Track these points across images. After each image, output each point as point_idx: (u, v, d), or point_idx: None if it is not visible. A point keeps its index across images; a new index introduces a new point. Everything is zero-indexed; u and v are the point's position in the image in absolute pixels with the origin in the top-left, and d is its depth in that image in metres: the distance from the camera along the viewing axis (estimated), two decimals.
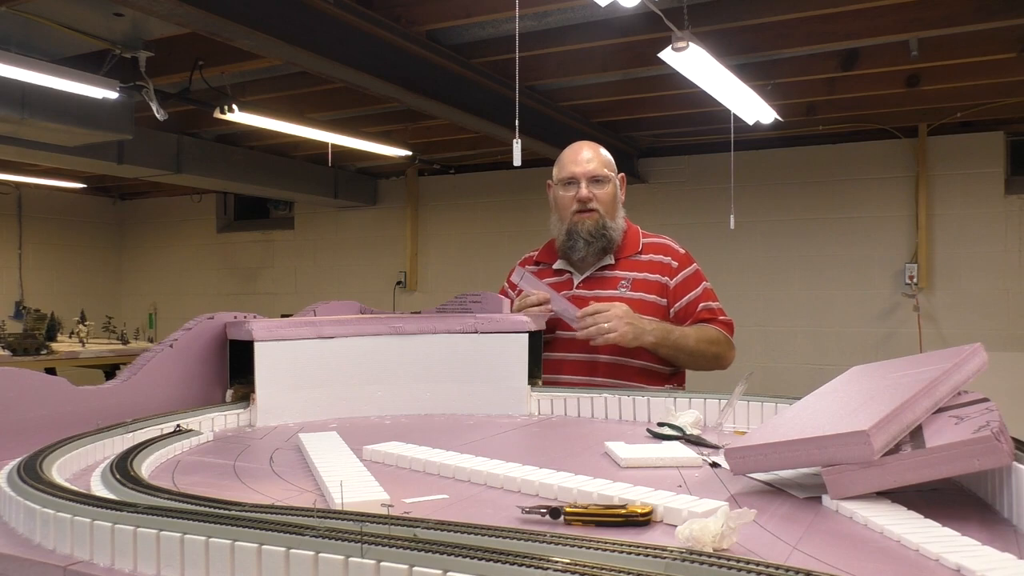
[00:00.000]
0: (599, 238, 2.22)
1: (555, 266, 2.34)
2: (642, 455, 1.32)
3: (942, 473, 0.99)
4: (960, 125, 5.72)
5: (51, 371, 5.06)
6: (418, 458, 1.29)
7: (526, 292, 2.22)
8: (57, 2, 3.56)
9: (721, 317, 2.25)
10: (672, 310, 2.23)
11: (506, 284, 2.47)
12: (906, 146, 5.90)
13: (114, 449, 1.33)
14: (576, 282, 2.28)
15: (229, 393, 1.76)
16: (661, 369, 2.19)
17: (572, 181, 2.26)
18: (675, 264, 2.26)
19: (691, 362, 2.20)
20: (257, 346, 1.70)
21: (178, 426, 1.48)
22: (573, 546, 0.74)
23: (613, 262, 2.27)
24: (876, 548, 0.89)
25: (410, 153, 6.23)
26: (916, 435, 1.05)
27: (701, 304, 2.23)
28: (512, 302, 2.37)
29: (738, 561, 0.69)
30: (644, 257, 2.28)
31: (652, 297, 2.22)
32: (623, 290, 2.22)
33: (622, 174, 2.35)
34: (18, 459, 1.14)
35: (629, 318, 2.05)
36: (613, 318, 2.03)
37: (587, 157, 2.26)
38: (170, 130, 5.94)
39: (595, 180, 2.24)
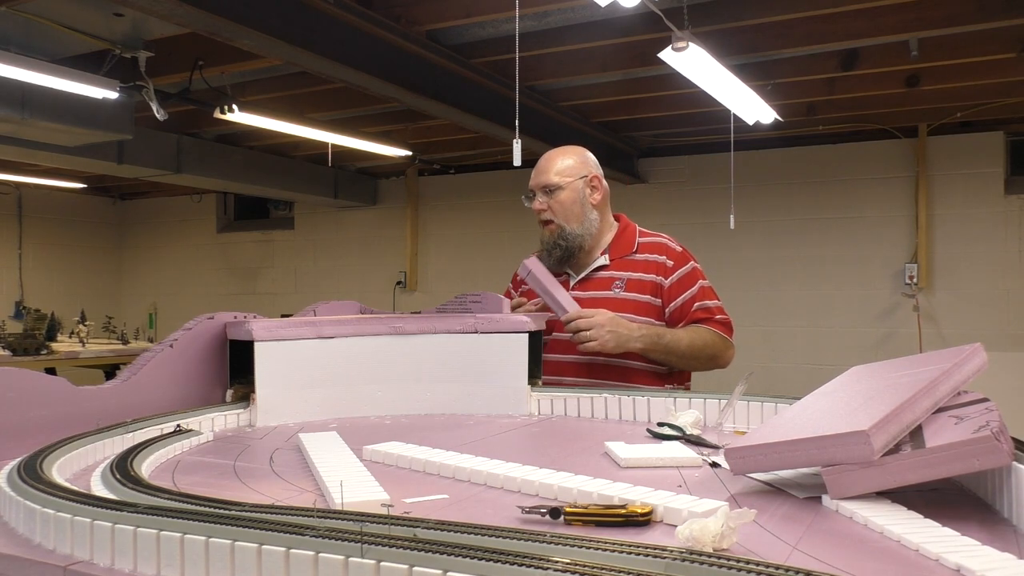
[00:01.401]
0: (555, 247, 2.26)
1: (553, 267, 2.34)
2: (642, 455, 1.32)
3: (942, 473, 0.99)
4: (960, 125, 5.72)
5: (51, 371, 5.07)
6: (418, 458, 1.29)
7: (526, 290, 2.22)
8: (57, 2, 3.56)
9: (718, 316, 2.22)
10: (667, 310, 2.21)
11: (510, 285, 2.48)
12: (906, 146, 5.90)
13: (114, 449, 1.33)
14: (572, 283, 2.28)
15: (229, 393, 1.76)
16: (660, 370, 2.19)
17: (531, 194, 2.32)
18: (670, 263, 2.23)
19: (685, 365, 2.20)
20: (257, 346, 1.70)
21: (178, 426, 1.48)
22: (573, 546, 0.74)
23: (607, 262, 2.27)
24: (876, 548, 0.89)
25: (410, 153, 6.23)
26: (916, 435, 1.05)
27: (697, 303, 2.21)
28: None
29: (738, 561, 0.69)
30: (639, 257, 2.27)
31: (646, 297, 2.21)
32: (617, 291, 2.21)
33: (593, 174, 2.30)
34: (18, 459, 1.14)
35: (612, 326, 2.06)
36: (595, 326, 2.05)
37: (541, 168, 2.30)
38: (170, 130, 5.94)
39: (547, 191, 2.27)
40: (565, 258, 2.26)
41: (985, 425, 0.98)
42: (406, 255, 7.78)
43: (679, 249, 2.28)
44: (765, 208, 6.32)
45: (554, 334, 2.21)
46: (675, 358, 2.15)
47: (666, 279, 2.22)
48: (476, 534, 0.78)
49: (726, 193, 5.94)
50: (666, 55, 3.15)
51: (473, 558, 0.70)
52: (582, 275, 2.28)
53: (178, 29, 3.76)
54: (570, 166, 2.28)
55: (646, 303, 2.20)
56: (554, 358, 2.20)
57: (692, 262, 2.27)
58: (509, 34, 4.10)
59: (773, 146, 6.23)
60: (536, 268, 2.19)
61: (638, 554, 0.72)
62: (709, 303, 2.23)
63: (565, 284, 2.28)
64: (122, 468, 1.10)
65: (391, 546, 0.73)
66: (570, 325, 2.08)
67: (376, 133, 5.85)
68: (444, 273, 7.68)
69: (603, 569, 0.68)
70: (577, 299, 2.21)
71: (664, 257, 2.25)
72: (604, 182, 2.32)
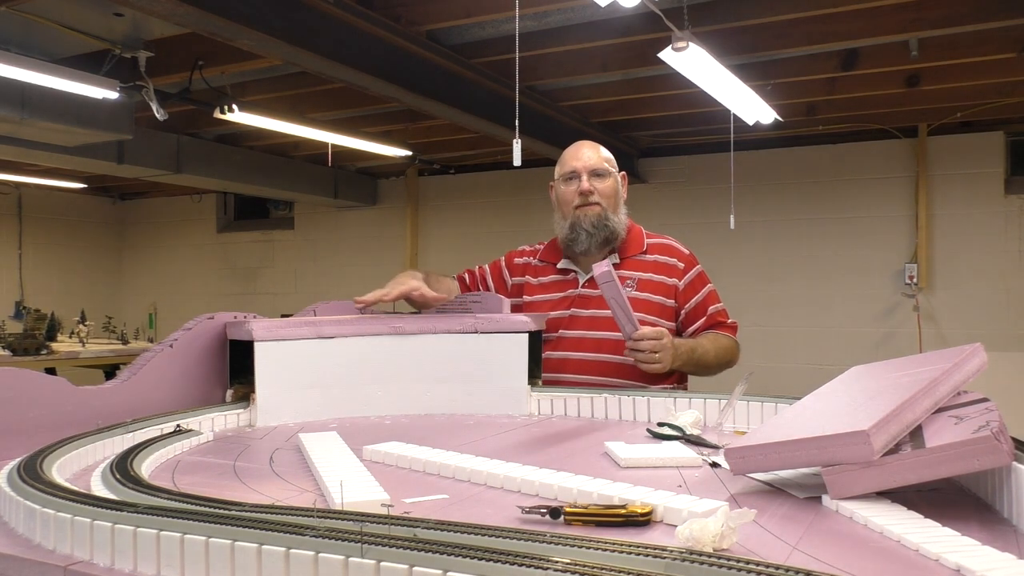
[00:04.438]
0: (601, 229, 2.22)
1: (559, 265, 2.33)
2: (642, 455, 1.32)
3: (942, 473, 0.99)
4: (960, 125, 5.72)
5: (51, 371, 5.06)
6: (418, 458, 1.29)
7: (519, 283, 2.20)
8: (57, 2, 3.56)
9: (729, 321, 2.28)
10: (683, 311, 2.24)
11: (502, 259, 2.47)
12: (906, 146, 5.90)
13: (114, 449, 1.33)
14: (581, 281, 2.27)
15: (229, 393, 1.76)
16: None
17: (573, 176, 2.27)
18: (681, 265, 2.26)
19: (707, 373, 2.22)
20: (257, 346, 1.70)
21: (178, 426, 1.48)
22: (573, 546, 0.74)
23: (618, 261, 2.27)
24: (876, 548, 0.89)
25: (410, 153, 6.23)
26: (916, 435, 1.05)
27: (711, 307, 2.25)
28: (508, 291, 2.38)
29: (738, 561, 0.69)
30: (649, 257, 2.28)
31: (658, 298, 2.22)
32: (628, 290, 2.22)
33: (623, 172, 2.36)
34: (18, 459, 1.14)
35: (673, 351, 2.02)
36: (663, 348, 1.98)
37: (586, 153, 2.28)
38: (170, 130, 5.94)
39: (596, 174, 2.26)
40: (604, 242, 2.25)
41: (985, 425, 0.98)
42: (406, 255, 7.77)
43: (687, 251, 2.32)
44: (765, 208, 6.32)
45: (560, 331, 2.22)
46: (702, 369, 2.18)
47: (679, 281, 2.25)
48: (476, 534, 0.78)
49: (726, 193, 5.94)
50: (666, 55, 3.15)
51: (473, 558, 0.70)
52: (592, 273, 2.27)
53: (178, 29, 3.76)
54: (612, 159, 2.32)
55: (658, 303, 2.21)
56: (558, 355, 2.20)
57: (698, 264, 2.31)
58: (509, 34, 4.10)
59: (773, 146, 6.23)
60: (614, 276, 1.91)
61: (638, 554, 0.72)
62: (720, 306, 2.28)
63: (573, 283, 2.28)
64: (122, 468, 1.10)
65: (391, 546, 0.73)
66: (641, 344, 1.97)
67: (376, 133, 5.85)
68: (444, 273, 7.66)
69: (603, 569, 0.68)
70: (588, 297, 2.22)
71: (675, 259, 2.27)
72: None
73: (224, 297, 8.72)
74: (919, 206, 5.81)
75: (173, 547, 0.81)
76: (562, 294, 2.29)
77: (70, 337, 6.57)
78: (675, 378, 2.22)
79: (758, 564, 0.68)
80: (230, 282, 8.81)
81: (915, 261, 5.82)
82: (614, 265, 2.26)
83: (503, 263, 2.46)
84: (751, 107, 4.28)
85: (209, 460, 1.37)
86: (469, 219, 7.53)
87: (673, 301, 2.23)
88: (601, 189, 2.24)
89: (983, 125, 5.70)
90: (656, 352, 1.99)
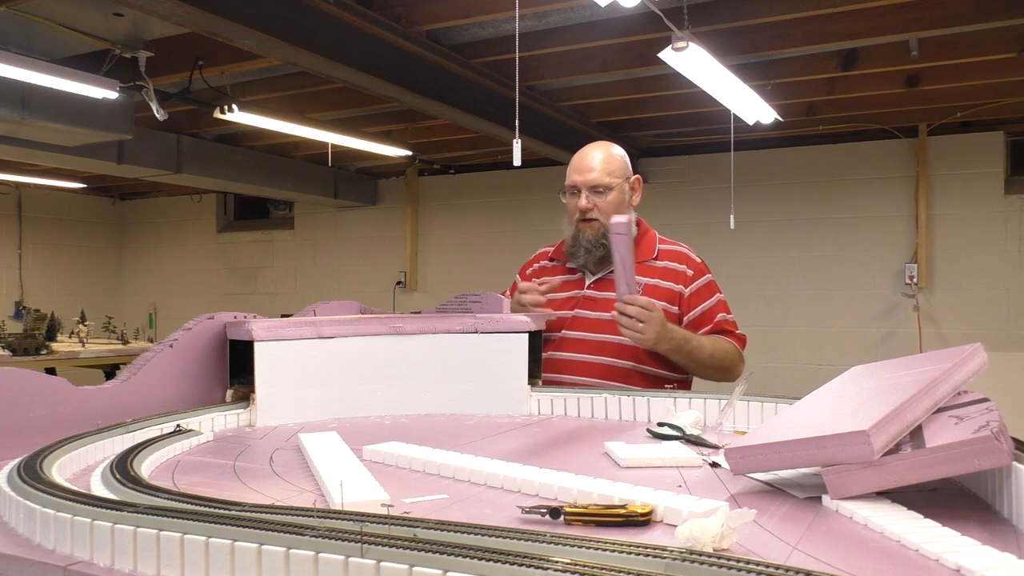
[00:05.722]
0: (598, 247, 2.22)
1: (569, 264, 2.34)
2: (642, 455, 1.32)
3: (942, 473, 0.99)
4: (960, 125, 5.72)
5: (51, 371, 5.06)
6: (418, 458, 1.29)
7: (524, 288, 2.20)
8: (57, 2, 3.56)
9: (736, 332, 2.26)
10: (686, 319, 2.22)
11: (517, 277, 2.47)
12: (906, 146, 5.90)
13: (114, 449, 1.33)
14: (588, 282, 2.28)
15: (229, 393, 1.76)
16: (670, 376, 2.19)
17: (574, 190, 2.27)
18: (690, 273, 2.25)
19: (700, 372, 2.20)
20: (257, 346, 1.70)
21: (178, 426, 1.48)
22: (573, 546, 0.74)
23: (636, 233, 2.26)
24: (876, 548, 0.89)
25: (410, 153, 6.24)
26: (916, 435, 1.05)
27: (719, 315, 2.23)
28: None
29: (738, 561, 0.69)
30: (659, 263, 2.27)
31: (661, 303, 2.19)
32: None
33: (636, 176, 2.32)
34: (18, 459, 1.14)
35: (660, 327, 2.00)
36: (649, 320, 1.98)
37: (589, 165, 2.25)
38: (170, 130, 5.94)
39: (595, 189, 2.23)
40: (601, 259, 2.24)
41: (985, 425, 0.98)
42: (406, 255, 7.78)
43: (698, 260, 2.30)
44: (765, 208, 6.32)
45: (563, 332, 2.21)
46: (694, 364, 2.15)
47: (686, 288, 2.23)
48: (476, 534, 0.78)
49: (726, 193, 5.94)
50: (666, 55, 3.15)
51: (473, 558, 0.70)
52: (600, 275, 2.28)
53: (178, 29, 3.76)
54: (618, 166, 2.27)
55: (661, 309, 2.20)
56: (561, 356, 2.20)
57: (709, 274, 2.29)
58: (509, 34, 4.10)
59: (773, 146, 6.23)
60: (630, 231, 1.92)
61: (638, 554, 0.72)
62: (728, 316, 2.25)
63: (580, 283, 2.28)
64: (122, 468, 1.10)
65: (391, 546, 0.73)
66: (627, 308, 1.97)
67: (376, 133, 5.85)
68: (444, 273, 7.68)
69: (603, 569, 0.68)
70: (593, 299, 2.23)
71: (684, 266, 2.26)
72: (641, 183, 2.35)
73: (224, 297, 8.72)
74: (919, 206, 5.81)
75: (173, 547, 0.81)
76: (567, 294, 2.29)
77: (70, 337, 6.57)
78: (676, 384, 2.22)
79: (758, 564, 0.68)
80: (230, 282, 8.82)
81: (915, 261, 5.82)
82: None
83: (517, 280, 2.47)
84: (751, 107, 4.29)
85: (209, 460, 1.37)
86: (469, 219, 7.53)
87: (676, 308, 2.22)
88: (601, 205, 2.22)
89: (983, 125, 5.70)
90: (642, 321, 1.96)
